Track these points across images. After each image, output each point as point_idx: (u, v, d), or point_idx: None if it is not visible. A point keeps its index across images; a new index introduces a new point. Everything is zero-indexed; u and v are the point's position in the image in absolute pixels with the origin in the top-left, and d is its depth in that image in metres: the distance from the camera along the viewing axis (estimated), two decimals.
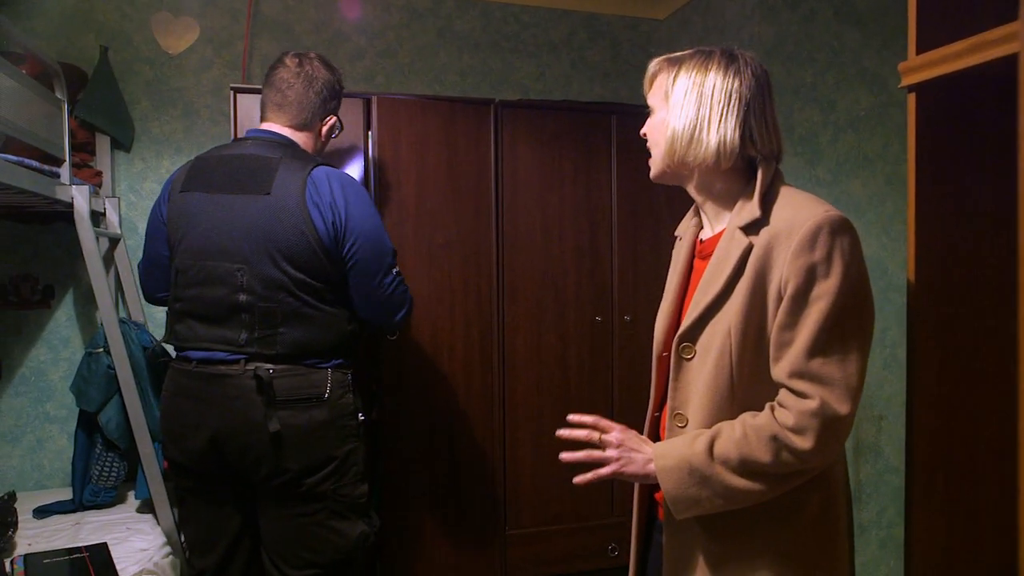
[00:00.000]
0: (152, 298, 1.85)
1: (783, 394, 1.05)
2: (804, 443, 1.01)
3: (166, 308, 1.73)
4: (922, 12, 1.19)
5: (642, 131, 1.22)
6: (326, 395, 1.59)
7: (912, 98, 1.20)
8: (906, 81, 1.19)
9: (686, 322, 1.13)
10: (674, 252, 1.30)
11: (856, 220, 2.46)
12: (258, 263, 1.56)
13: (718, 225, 1.19)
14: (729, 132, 1.10)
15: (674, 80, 1.14)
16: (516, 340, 2.38)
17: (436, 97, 2.32)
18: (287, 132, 1.74)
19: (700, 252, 1.22)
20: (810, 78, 2.46)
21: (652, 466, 1.09)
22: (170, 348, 1.75)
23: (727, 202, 1.16)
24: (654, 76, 1.20)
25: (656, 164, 1.19)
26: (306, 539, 1.60)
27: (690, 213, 1.29)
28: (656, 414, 1.25)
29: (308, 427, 1.57)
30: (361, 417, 1.67)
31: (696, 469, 1.06)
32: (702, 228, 1.24)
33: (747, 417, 1.07)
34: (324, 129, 1.81)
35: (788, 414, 1.02)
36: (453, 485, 2.30)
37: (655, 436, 1.24)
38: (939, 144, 1.21)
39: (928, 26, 1.19)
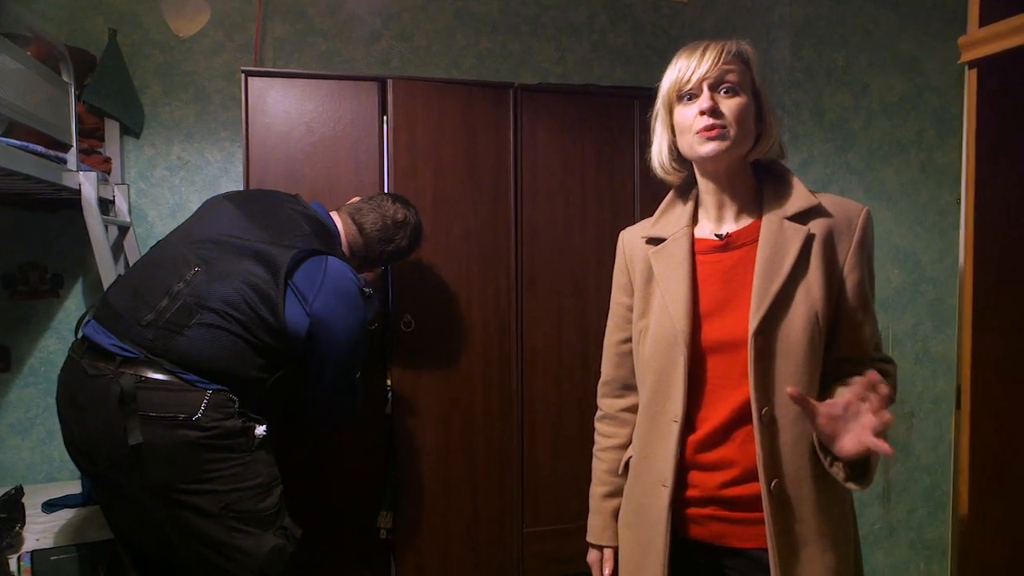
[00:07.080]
0: None
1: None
2: None
3: None
4: None
5: (715, 108, 1.12)
6: (195, 417, 1.45)
7: (972, 75, 1.11)
8: (966, 56, 1.10)
9: (758, 315, 1.09)
10: (657, 252, 1.24)
11: (888, 209, 2.40)
12: (218, 275, 1.53)
13: (729, 218, 1.20)
14: (776, 122, 1.17)
15: (753, 67, 1.15)
16: (535, 335, 2.30)
17: (453, 80, 2.24)
18: (341, 228, 1.81)
19: (722, 246, 1.18)
20: (842, 61, 2.35)
21: None
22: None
23: (745, 194, 1.19)
24: (736, 58, 1.14)
25: (736, 146, 1.13)
26: (211, 558, 1.50)
27: (669, 214, 1.28)
28: (676, 422, 1.16)
29: (172, 445, 1.44)
30: (259, 432, 1.54)
31: None
32: (695, 225, 1.24)
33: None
34: (360, 264, 1.87)
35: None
36: (470, 482, 2.24)
37: (681, 446, 1.16)
38: (1000, 126, 1.12)
39: None
